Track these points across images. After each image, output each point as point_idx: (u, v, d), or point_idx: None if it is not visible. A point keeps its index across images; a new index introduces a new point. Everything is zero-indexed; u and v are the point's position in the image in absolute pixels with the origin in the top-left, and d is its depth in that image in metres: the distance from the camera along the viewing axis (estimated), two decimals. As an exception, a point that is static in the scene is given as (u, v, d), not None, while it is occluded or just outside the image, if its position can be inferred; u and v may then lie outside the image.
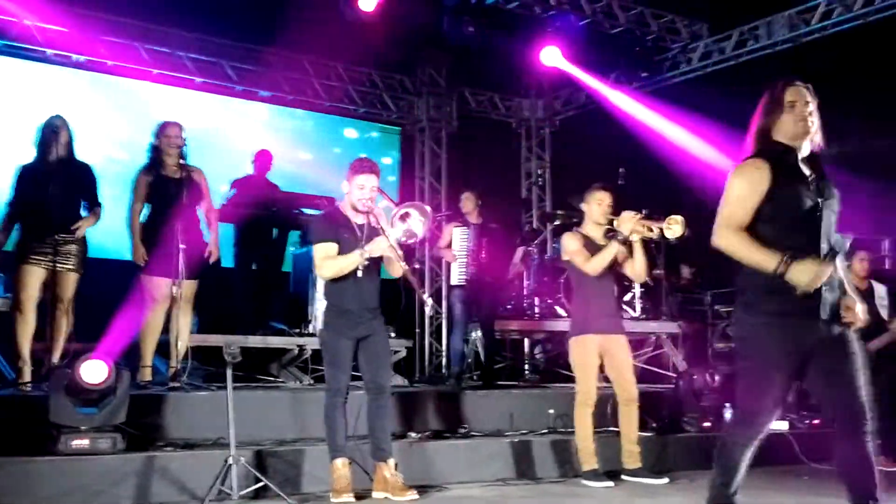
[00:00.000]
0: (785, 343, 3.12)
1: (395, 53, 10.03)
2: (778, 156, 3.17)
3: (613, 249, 5.34)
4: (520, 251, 8.21)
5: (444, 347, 9.95)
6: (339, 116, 10.48)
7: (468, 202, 7.54)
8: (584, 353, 5.39)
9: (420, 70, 10.50)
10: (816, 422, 6.86)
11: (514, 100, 11.55)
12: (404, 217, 4.63)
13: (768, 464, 6.15)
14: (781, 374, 3.18)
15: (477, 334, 8.03)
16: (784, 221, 3.12)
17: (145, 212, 5.83)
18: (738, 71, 9.23)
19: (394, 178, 10.75)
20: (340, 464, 4.58)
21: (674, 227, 5.34)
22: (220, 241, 6.10)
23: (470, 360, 8.33)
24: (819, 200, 3.17)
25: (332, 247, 4.64)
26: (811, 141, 3.23)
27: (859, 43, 8.38)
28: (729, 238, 3.15)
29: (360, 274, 4.59)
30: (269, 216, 7.51)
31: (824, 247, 3.15)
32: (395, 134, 10.91)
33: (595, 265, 5.35)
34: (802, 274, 2.99)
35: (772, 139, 3.22)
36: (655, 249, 8.98)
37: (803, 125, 3.18)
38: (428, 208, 4.76)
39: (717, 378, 6.59)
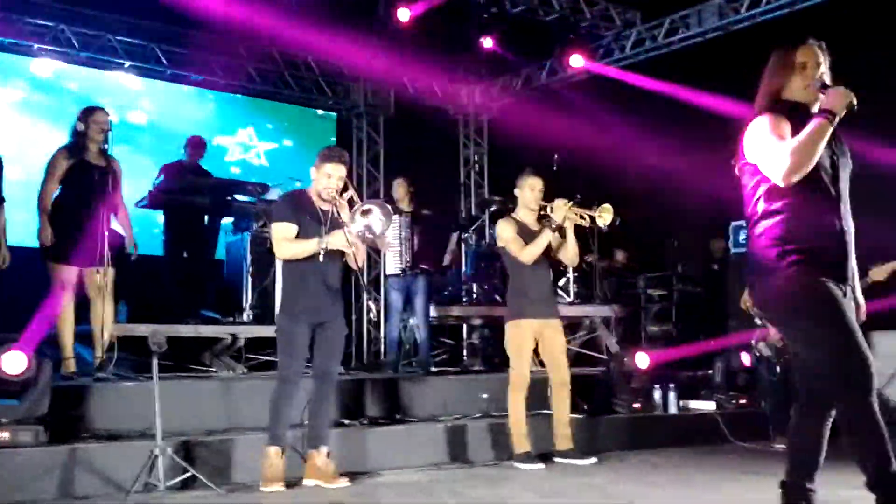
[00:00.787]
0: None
1: (331, 38, 9.93)
2: (792, 113, 3.08)
3: (547, 237, 5.42)
4: (454, 237, 8.21)
5: (382, 335, 9.96)
6: (274, 101, 10.34)
7: (400, 189, 7.50)
8: (520, 337, 5.45)
9: (357, 55, 10.41)
10: (743, 401, 7.05)
11: (452, 86, 11.54)
12: (366, 213, 4.59)
13: (695, 443, 6.37)
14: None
15: (414, 321, 8.06)
16: (804, 179, 2.98)
17: (59, 194, 5.65)
18: (670, 59, 9.38)
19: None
20: (273, 452, 4.55)
21: (605, 216, 5.49)
22: (148, 230, 5.98)
23: (408, 347, 8.35)
24: (834, 158, 3.10)
25: (291, 228, 4.63)
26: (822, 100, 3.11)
27: (788, 30, 8.57)
28: (782, 151, 2.96)
29: (321, 258, 4.57)
30: (199, 203, 7.37)
31: (843, 207, 3.09)
32: (331, 120, 10.81)
33: (529, 253, 5.42)
34: (837, 97, 2.99)
35: (782, 99, 3.16)
36: (589, 234, 9.12)
37: (811, 88, 3.12)
38: (389, 207, 4.72)
39: (647, 360, 6.73)
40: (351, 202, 4.69)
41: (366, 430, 5.51)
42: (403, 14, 8.55)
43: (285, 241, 4.64)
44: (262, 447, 4.58)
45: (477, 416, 6.18)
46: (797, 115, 3.06)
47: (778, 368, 6.37)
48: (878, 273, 6.10)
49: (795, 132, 2.99)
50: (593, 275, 9.05)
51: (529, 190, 5.58)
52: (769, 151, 2.99)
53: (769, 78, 3.22)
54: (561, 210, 5.43)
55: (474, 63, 11.11)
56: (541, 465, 5.32)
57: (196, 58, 9.35)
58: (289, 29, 9.01)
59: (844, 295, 3.04)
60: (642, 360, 6.72)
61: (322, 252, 4.54)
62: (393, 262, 7.25)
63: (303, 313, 4.58)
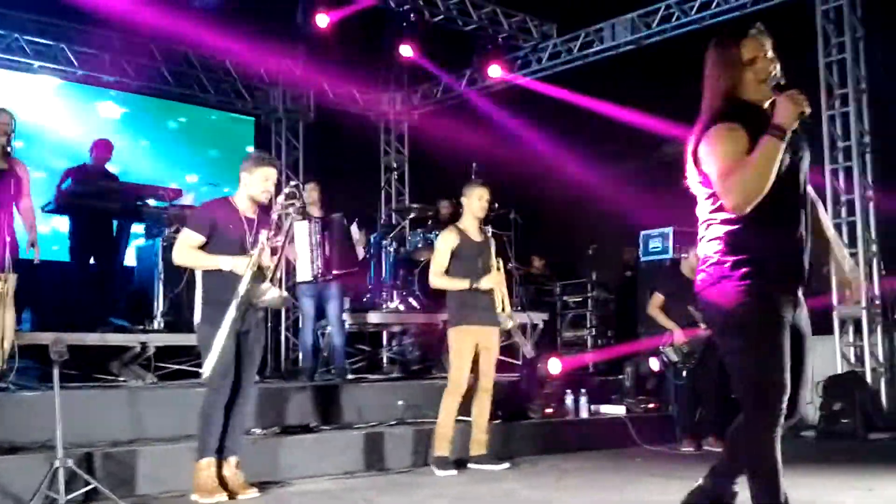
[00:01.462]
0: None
1: (250, 42, 9.84)
2: (748, 116, 2.83)
3: (462, 286, 5.49)
4: (354, 228, 7.97)
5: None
6: (190, 105, 10.17)
7: (312, 193, 7.40)
8: (463, 343, 5.50)
9: (276, 60, 10.34)
10: (651, 405, 7.25)
11: (373, 93, 11.57)
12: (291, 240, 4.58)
13: (605, 447, 6.52)
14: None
15: (330, 328, 8.02)
16: (769, 192, 2.77)
17: None
18: (584, 71, 9.60)
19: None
20: (206, 463, 4.46)
21: (507, 322, 5.74)
22: (53, 235, 5.80)
23: (326, 354, 8.30)
24: (794, 158, 2.88)
25: (197, 238, 4.54)
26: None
27: (698, 45, 8.86)
28: (731, 181, 2.75)
29: (255, 268, 4.45)
30: (108, 208, 7.19)
31: (804, 210, 2.90)
32: (249, 124, 10.69)
33: (437, 283, 5.55)
34: (786, 110, 2.75)
35: (738, 99, 2.90)
36: (507, 242, 9.24)
37: (766, 82, 2.87)
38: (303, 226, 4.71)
39: (560, 366, 6.87)
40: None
41: (278, 439, 5.45)
42: (322, 20, 8.52)
43: (188, 249, 4.55)
44: (192, 461, 4.48)
45: (393, 422, 6.18)
46: (752, 117, 2.83)
47: (684, 373, 6.57)
48: None
49: (752, 138, 2.78)
50: (511, 282, 9.16)
51: (477, 199, 5.66)
52: (723, 179, 2.77)
53: (717, 77, 2.92)
54: (489, 281, 5.56)
55: (395, 71, 11.15)
56: (454, 471, 5.37)
57: (108, 59, 9.14)
58: (206, 32, 8.90)
59: (797, 306, 2.91)
60: (555, 365, 6.85)
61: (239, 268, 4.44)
62: (304, 269, 7.13)
63: (231, 323, 4.45)
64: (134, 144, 9.54)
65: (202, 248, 4.56)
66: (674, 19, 8.80)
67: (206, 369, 4.41)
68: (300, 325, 7.58)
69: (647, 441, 6.61)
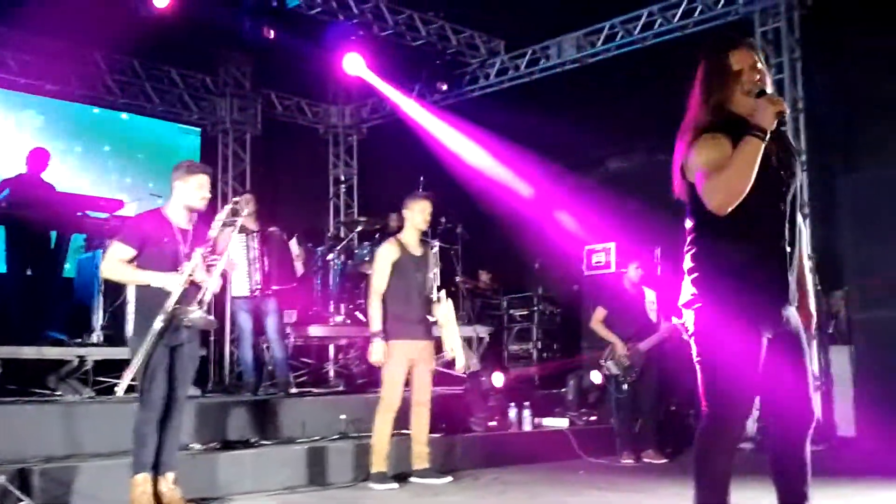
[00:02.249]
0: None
1: (197, 52, 9.78)
2: (734, 128, 2.81)
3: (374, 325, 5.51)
4: (294, 242, 7.93)
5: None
6: (135, 115, 10.04)
7: (249, 205, 7.30)
8: (396, 359, 5.49)
9: (223, 70, 10.29)
10: (593, 418, 7.33)
11: (322, 106, 11.57)
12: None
13: (548, 460, 6.57)
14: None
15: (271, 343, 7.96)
16: (750, 199, 2.76)
17: None
18: (531, 88, 9.73)
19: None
20: (142, 479, 4.38)
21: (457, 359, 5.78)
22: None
23: (270, 368, 8.23)
24: (782, 174, 2.87)
25: (126, 251, 4.45)
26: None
27: (641, 64, 9.07)
28: (713, 183, 2.76)
29: (186, 284, 4.38)
30: (46, 218, 7.04)
31: (788, 224, 2.89)
32: (195, 135, 10.59)
33: (374, 296, 5.53)
34: (765, 111, 2.76)
35: (726, 111, 2.89)
36: (454, 257, 9.30)
37: (750, 93, 2.86)
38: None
39: (504, 379, 6.92)
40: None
41: (218, 455, 5.39)
42: (270, 32, 8.48)
43: (118, 262, 4.47)
44: (127, 477, 4.40)
45: (335, 437, 6.15)
46: (739, 129, 2.80)
47: (625, 386, 6.67)
48: None
49: (735, 148, 2.78)
50: (457, 295, 9.22)
51: (420, 212, 5.69)
52: (705, 181, 2.78)
53: (707, 90, 2.92)
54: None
55: (344, 84, 11.16)
56: (395, 485, 5.37)
57: (50, 67, 8.98)
58: (152, 41, 8.82)
59: (781, 320, 2.88)
60: (499, 379, 6.90)
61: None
62: (240, 284, 7.05)
63: (161, 338, 4.37)
64: (72, 154, 9.39)
65: (134, 261, 4.48)
66: (618, 38, 8.99)
67: (121, 387, 4.36)
68: (239, 340, 7.48)
69: (589, 453, 6.68)
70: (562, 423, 7.23)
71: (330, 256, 8.79)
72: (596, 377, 7.13)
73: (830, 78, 8.34)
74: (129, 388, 6.24)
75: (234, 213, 4.66)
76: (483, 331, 9.11)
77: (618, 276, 7.36)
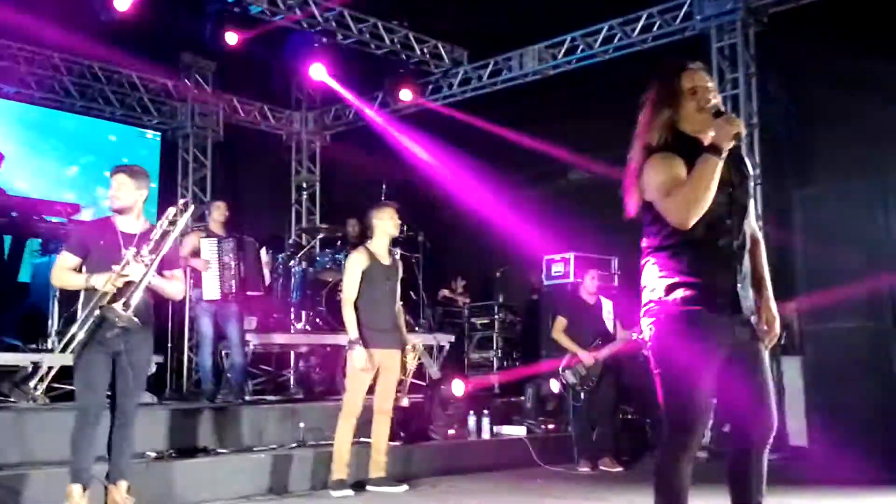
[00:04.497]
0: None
1: (158, 57, 9.71)
2: (686, 148, 2.91)
3: (351, 329, 5.49)
4: (263, 252, 7.97)
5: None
6: (94, 118, 9.93)
7: (220, 211, 7.31)
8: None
9: (184, 75, 10.22)
10: (551, 426, 7.40)
11: (285, 112, 11.54)
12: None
13: (506, 468, 6.62)
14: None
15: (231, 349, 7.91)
16: (705, 216, 2.84)
17: None
18: (493, 98, 9.81)
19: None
20: (76, 491, 4.30)
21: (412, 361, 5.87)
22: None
23: (229, 376, 8.17)
24: (732, 191, 2.94)
25: (71, 259, 4.42)
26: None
27: (601, 77, 9.20)
28: (673, 200, 2.84)
29: (119, 283, 4.28)
30: (1, 223, 6.93)
31: (742, 236, 2.96)
32: (156, 140, 10.50)
33: (347, 303, 5.52)
34: (723, 129, 2.83)
35: (678, 130, 2.96)
36: (416, 266, 9.32)
37: (708, 114, 2.93)
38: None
39: (463, 387, 6.96)
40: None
41: (171, 463, 5.35)
42: (231, 38, 8.46)
43: (61, 270, 4.43)
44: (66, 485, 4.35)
45: (293, 445, 6.13)
46: (690, 148, 2.90)
47: (582, 395, 6.74)
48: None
49: (690, 167, 2.86)
50: (419, 304, 9.24)
51: (390, 218, 5.73)
52: (665, 198, 2.85)
53: (657, 110, 2.98)
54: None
55: (307, 91, 11.16)
56: (350, 493, 5.37)
57: (8, 70, 8.86)
58: (112, 45, 8.74)
59: (735, 333, 2.93)
60: (458, 387, 6.93)
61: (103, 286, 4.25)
62: (211, 287, 7.02)
63: (101, 342, 4.33)
64: (30, 157, 9.25)
65: (81, 268, 4.42)
66: (578, 51, 9.11)
67: (34, 385, 4.27)
68: (199, 346, 7.43)
69: (546, 461, 6.74)
70: (520, 431, 7.29)
71: (291, 263, 8.76)
72: (554, 386, 7.19)
73: (785, 93, 8.52)
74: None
75: (179, 213, 4.58)
76: (443, 339, 9.14)
77: (576, 287, 7.44)
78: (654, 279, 2.97)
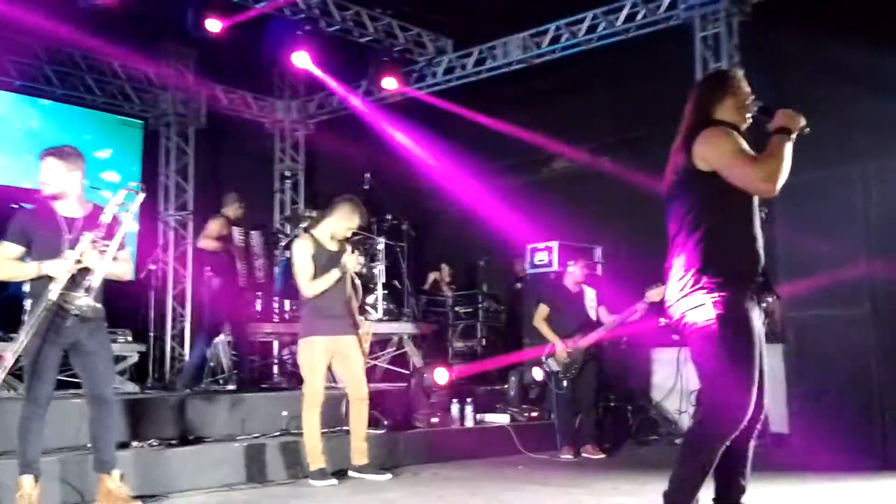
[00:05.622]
0: None
1: (140, 44, 9.62)
2: (735, 130, 3.16)
3: (333, 278, 5.48)
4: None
5: (186, 352, 9.69)
6: (74, 106, 9.83)
7: (240, 206, 7.56)
8: (312, 355, 5.47)
9: (166, 63, 10.13)
10: (535, 414, 7.42)
11: (268, 100, 11.47)
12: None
13: (489, 455, 6.64)
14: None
15: (220, 338, 7.91)
16: (734, 198, 3.07)
17: None
18: (478, 87, 9.79)
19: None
20: (26, 482, 4.25)
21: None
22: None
23: (213, 364, 8.16)
24: None
25: (13, 249, 4.26)
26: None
27: (585, 66, 9.20)
28: (764, 167, 3.01)
29: (75, 271, 4.17)
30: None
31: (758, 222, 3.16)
32: (137, 128, 10.40)
33: (313, 288, 5.46)
34: (790, 118, 3.09)
35: (715, 119, 3.19)
36: (401, 254, 9.30)
37: (746, 113, 3.21)
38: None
39: (447, 375, 6.97)
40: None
41: (154, 452, 5.33)
42: (213, 25, 8.40)
43: (4, 260, 4.26)
44: (52, 476, 4.32)
45: (276, 434, 6.12)
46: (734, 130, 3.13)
47: (565, 383, 6.77)
48: (655, 295, 6.60)
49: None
50: (403, 292, 9.24)
51: (341, 219, 5.62)
52: (747, 166, 3.01)
53: (706, 99, 3.24)
54: (352, 262, 5.58)
55: (290, 79, 11.09)
56: (334, 482, 5.36)
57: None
58: (93, 32, 8.65)
59: (764, 311, 3.11)
60: (441, 375, 6.94)
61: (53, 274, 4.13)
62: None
63: (51, 332, 4.20)
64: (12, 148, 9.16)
65: (27, 257, 4.28)
66: (563, 40, 9.10)
67: None
68: (200, 333, 7.58)
69: (529, 449, 6.76)
70: (503, 419, 7.31)
71: (275, 253, 8.74)
72: (537, 374, 7.21)
73: (768, 82, 8.54)
74: (68, 384, 6.17)
75: (128, 198, 4.46)
76: (427, 327, 9.15)
77: (560, 275, 7.45)
78: (696, 265, 3.02)
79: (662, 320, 6.40)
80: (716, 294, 2.99)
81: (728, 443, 3.02)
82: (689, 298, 3.05)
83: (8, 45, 8.90)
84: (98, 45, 9.33)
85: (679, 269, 3.09)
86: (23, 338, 4.08)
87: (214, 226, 7.38)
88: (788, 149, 3.02)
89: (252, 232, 7.55)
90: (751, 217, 3.13)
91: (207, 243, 7.41)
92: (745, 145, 3.07)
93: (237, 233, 7.46)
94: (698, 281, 3.02)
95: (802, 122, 3.08)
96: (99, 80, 9.80)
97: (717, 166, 3.04)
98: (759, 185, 3.03)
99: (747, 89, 3.25)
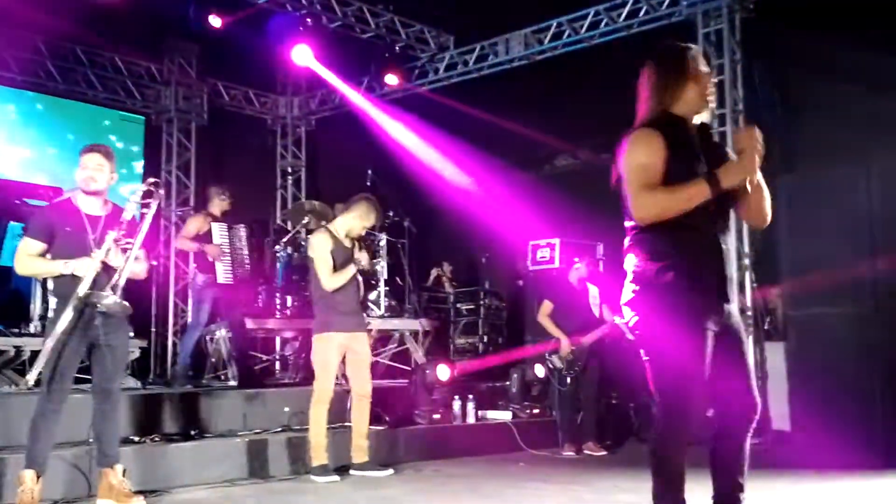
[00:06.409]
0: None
1: (142, 40, 9.61)
2: (672, 127, 2.93)
3: (350, 273, 5.52)
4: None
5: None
6: (77, 101, 9.82)
7: (227, 199, 7.50)
8: (327, 351, 5.48)
9: (168, 58, 10.13)
10: (536, 411, 7.42)
11: (270, 96, 11.46)
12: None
13: (491, 452, 6.64)
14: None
15: (221, 333, 7.90)
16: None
17: None
18: (479, 84, 9.77)
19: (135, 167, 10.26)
20: (28, 477, 4.26)
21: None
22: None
23: (214, 360, 8.16)
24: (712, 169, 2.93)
25: (36, 245, 4.31)
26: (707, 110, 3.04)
27: (587, 62, 9.18)
28: (650, 199, 2.85)
29: (98, 269, 4.23)
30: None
31: (721, 221, 2.99)
32: (139, 123, 10.39)
33: (333, 282, 5.47)
34: (735, 173, 2.86)
35: (667, 111, 2.97)
36: (402, 251, 9.30)
37: (707, 99, 3.00)
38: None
39: (449, 372, 6.97)
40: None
41: (158, 447, 5.34)
42: (215, 21, 8.39)
43: (27, 257, 4.32)
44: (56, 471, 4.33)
45: (277, 430, 6.13)
46: (675, 128, 2.93)
47: (568, 380, 6.77)
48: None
49: (674, 151, 2.88)
50: (405, 289, 9.24)
51: (356, 218, 5.65)
52: (640, 190, 2.86)
53: (661, 86, 2.98)
54: (365, 257, 5.66)
55: (293, 74, 11.07)
56: (335, 478, 5.38)
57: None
58: (96, 27, 8.65)
59: (723, 315, 2.94)
60: (443, 372, 6.94)
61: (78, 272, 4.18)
62: (224, 271, 7.23)
63: (78, 330, 4.25)
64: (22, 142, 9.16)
65: (47, 253, 4.33)
66: (565, 36, 9.08)
67: (32, 376, 4.16)
68: (189, 328, 7.54)
69: (531, 446, 6.77)
70: (505, 415, 7.31)
71: (276, 248, 8.74)
72: (540, 371, 7.21)
73: (771, 79, 8.53)
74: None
75: (147, 195, 4.51)
76: (429, 324, 9.14)
77: (563, 272, 7.45)
78: (640, 261, 2.95)
79: (618, 319, 6.44)
80: (641, 298, 2.95)
81: (724, 441, 3.00)
82: (628, 300, 3.01)
83: (9, 40, 8.89)
84: (100, 40, 9.34)
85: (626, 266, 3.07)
86: (59, 334, 4.12)
87: (192, 225, 7.34)
88: (698, 198, 2.83)
89: (236, 226, 7.44)
90: (693, 220, 2.90)
91: (183, 244, 7.44)
92: (655, 157, 2.86)
93: (217, 229, 7.28)
94: (632, 282, 2.99)
95: (753, 176, 2.88)
96: (101, 75, 9.79)
97: (622, 173, 2.94)
98: (634, 212, 2.90)
99: (706, 69, 3.01)
